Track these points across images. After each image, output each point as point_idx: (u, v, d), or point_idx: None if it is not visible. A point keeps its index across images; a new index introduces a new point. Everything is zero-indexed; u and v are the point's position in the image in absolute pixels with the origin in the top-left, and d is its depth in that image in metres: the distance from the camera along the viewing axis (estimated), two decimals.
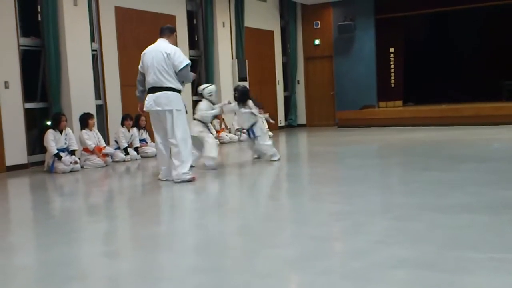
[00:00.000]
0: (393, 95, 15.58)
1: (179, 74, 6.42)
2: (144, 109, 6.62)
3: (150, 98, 6.47)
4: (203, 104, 7.81)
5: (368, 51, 15.02)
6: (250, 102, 8.06)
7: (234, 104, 8.05)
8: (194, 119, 7.77)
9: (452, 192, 5.13)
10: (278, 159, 8.01)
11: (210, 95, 7.82)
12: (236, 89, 8.17)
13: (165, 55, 6.35)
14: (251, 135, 8.05)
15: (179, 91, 6.49)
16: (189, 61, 6.50)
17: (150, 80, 6.44)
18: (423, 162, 7.48)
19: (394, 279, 2.87)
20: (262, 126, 8.10)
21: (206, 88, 7.88)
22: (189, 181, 6.37)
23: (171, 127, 6.40)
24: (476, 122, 12.37)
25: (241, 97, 8.00)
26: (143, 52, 6.64)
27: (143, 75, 6.59)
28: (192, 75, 6.75)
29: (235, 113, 8.19)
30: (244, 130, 8.32)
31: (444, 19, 16.05)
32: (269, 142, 8.11)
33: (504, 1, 13.75)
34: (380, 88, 15.29)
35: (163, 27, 6.74)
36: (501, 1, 13.85)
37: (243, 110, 7.95)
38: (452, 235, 3.66)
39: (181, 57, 6.44)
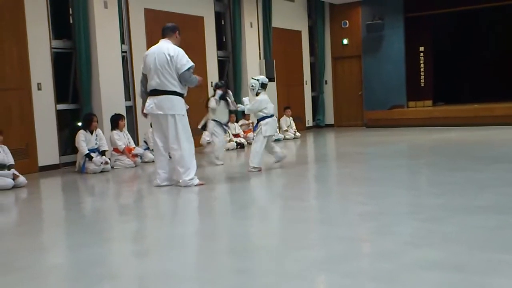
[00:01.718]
0: (423, 95, 15.38)
1: (181, 77, 6.18)
2: (144, 111, 6.47)
3: (151, 101, 6.29)
4: (266, 97, 7.60)
5: (397, 50, 14.87)
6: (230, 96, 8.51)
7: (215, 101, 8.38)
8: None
9: (483, 193, 5.05)
10: (220, 164, 8.36)
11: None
12: (220, 86, 8.44)
13: (168, 57, 6.13)
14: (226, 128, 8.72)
15: (182, 95, 6.30)
16: (192, 64, 6.23)
17: (153, 82, 6.23)
18: (453, 162, 7.37)
19: (423, 281, 2.85)
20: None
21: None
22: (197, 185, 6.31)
23: (174, 132, 6.23)
24: (508, 122, 12.13)
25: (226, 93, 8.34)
26: (145, 53, 6.47)
27: (146, 76, 6.41)
28: (197, 79, 6.37)
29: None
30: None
31: (474, 17, 15.78)
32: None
33: None
34: (410, 87, 15.11)
35: (164, 27, 6.46)
36: None
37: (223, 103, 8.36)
38: (483, 236, 3.61)
39: (184, 60, 6.17)
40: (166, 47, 6.24)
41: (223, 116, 8.49)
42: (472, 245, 3.41)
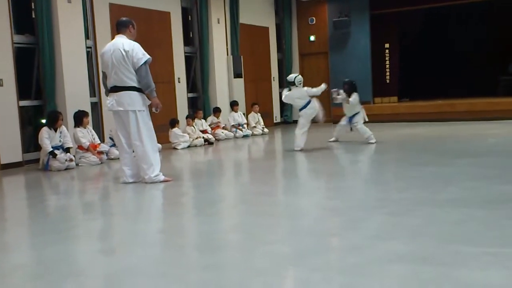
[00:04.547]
0: (388, 91, 15.57)
1: (137, 72, 6.07)
2: (106, 109, 6.39)
3: (112, 98, 6.23)
4: (297, 92, 8.89)
5: (363, 47, 15.01)
6: (355, 95, 9.59)
7: (344, 95, 9.65)
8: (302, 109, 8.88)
9: (448, 187, 5.14)
10: (375, 142, 9.24)
11: (300, 83, 8.92)
12: (345, 83, 9.82)
13: (124, 53, 6.05)
14: (350, 122, 9.74)
15: (141, 90, 6.18)
16: (148, 57, 6.12)
17: (112, 79, 6.16)
18: (419, 157, 7.48)
19: (390, 274, 2.87)
20: (363, 116, 9.75)
21: (297, 77, 8.95)
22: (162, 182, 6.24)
23: (136, 128, 6.17)
24: (471, 117, 12.42)
25: (350, 89, 9.58)
26: (102, 51, 6.36)
27: (105, 74, 6.32)
28: (153, 87, 6.17)
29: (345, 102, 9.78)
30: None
31: (439, 15, 16.05)
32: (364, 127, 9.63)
33: None
34: (375, 84, 15.27)
35: (118, 22, 6.37)
36: None
37: (351, 99, 9.56)
38: (448, 229, 3.66)
39: (140, 54, 6.08)
40: (121, 42, 6.16)
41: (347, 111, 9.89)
42: (439, 238, 3.46)
